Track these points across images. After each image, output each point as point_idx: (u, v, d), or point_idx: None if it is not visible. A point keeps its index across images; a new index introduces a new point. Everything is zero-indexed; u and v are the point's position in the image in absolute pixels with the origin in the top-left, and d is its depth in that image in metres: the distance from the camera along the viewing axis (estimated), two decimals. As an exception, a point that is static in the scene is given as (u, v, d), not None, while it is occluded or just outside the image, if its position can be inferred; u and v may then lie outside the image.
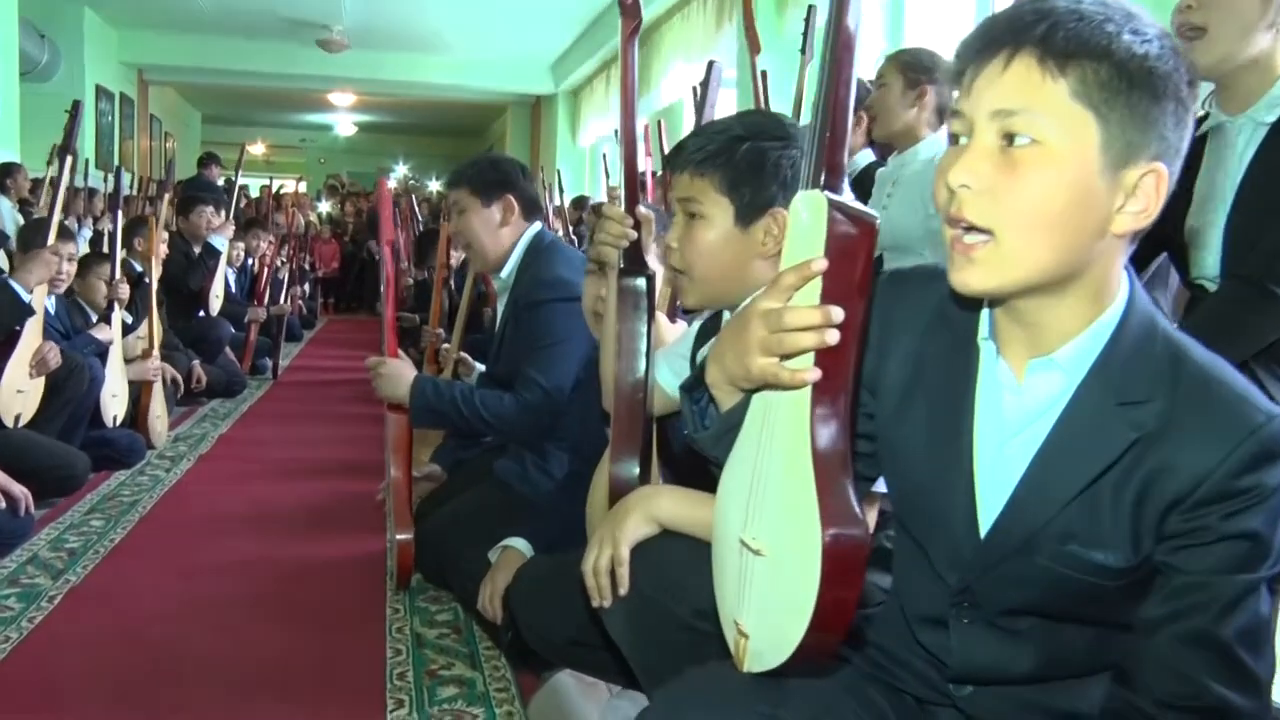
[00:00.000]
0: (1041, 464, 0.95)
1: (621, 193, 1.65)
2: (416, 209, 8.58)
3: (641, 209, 1.65)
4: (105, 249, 4.25)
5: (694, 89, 4.44)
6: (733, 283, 1.50)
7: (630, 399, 1.58)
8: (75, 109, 3.23)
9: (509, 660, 2.12)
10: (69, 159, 3.20)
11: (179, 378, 4.63)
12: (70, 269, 3.59)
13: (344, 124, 17.91)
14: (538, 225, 2.64)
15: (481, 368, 3.18)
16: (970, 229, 0.91)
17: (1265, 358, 1.78)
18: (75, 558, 2.75)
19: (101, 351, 3.78)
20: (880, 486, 1.15)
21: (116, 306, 4.05)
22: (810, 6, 3.04)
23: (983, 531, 0.99)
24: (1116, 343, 0.94)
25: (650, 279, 1.62)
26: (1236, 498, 0.89)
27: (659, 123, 5.26)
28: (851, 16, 0.95)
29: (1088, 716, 1.02)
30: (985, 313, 1.00)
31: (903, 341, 1.06)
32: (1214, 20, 1.78)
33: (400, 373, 2.48)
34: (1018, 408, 0.98)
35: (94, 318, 4.04)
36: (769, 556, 0.97)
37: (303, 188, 16.75)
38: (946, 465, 1.01)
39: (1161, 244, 2.03)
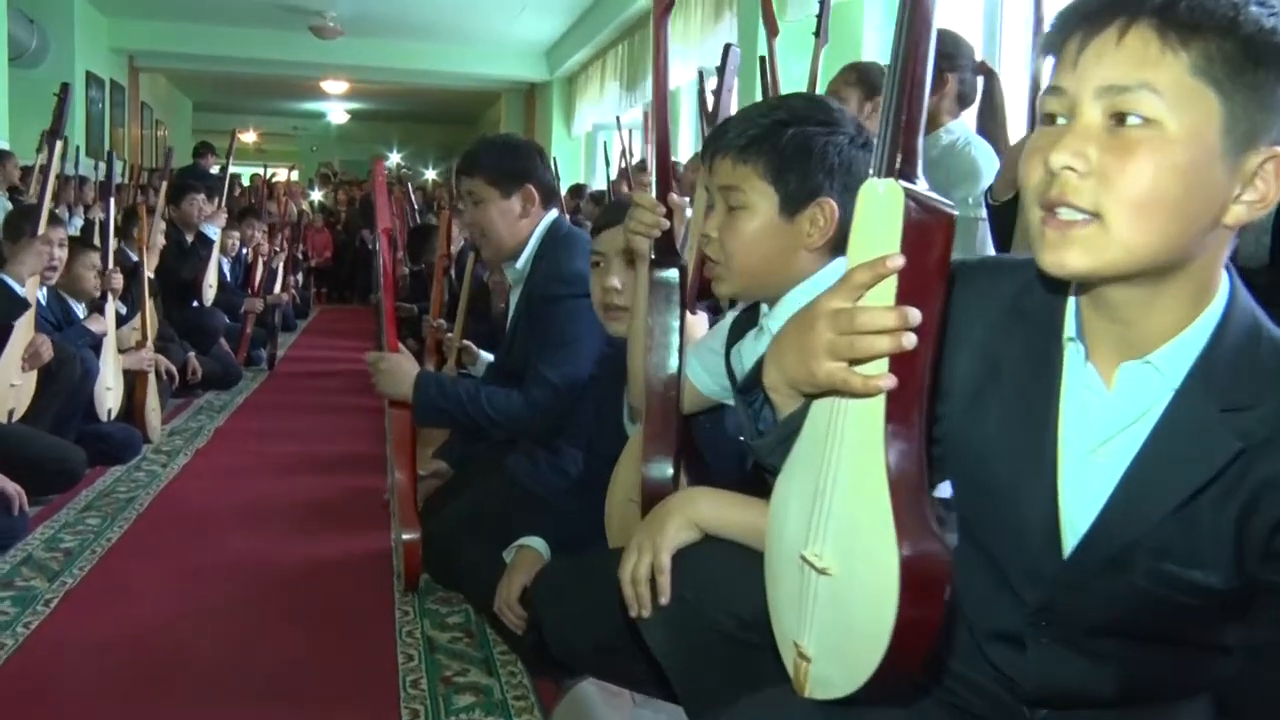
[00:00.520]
0: (1136, 475, 0.88)
1: (652, 180, 1.57)
2: (412, 198, 8.46)
3: (674, 197, 1.57)
4: (97, 238, 4.14)
5: (699, 74, 4.37)
6: (774, 275, 1.42)
7: (663, 397, 1.51)
8: (64, 91, 3.13)
9: (526, 666, 2.05)
10: (58, 144, 3.10)
11: (174, 370, 4.53)
12: (62, 256, 3.50)
13: (336, 112, 17.77)
14: (554, 213, 2.55)
15: (487, 356, 3.10)
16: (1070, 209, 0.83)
17: None
18: (72, 558, 2.66)
19: (95, 343, 3.68)
20: (942, 491, 1.08)
21: (110, 297, 3.95)
22: (824, -11, 2.95)
23: (1066, 545, 0.92)
24: (1218, 344, 0.87)
25: (683, 271, 1.54)
26: None
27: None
28: (930, -11, 0.87)
29: None
30: (1071, 310, 0.92)
31: (973, 337, 0.98)
32: None
33: (402, 369, 2.39)
34: (1107, 413, 0.90)
35: (77, 308, 3.93)
36: (836, 575, 0.89)
37: (294, 176, 16.63)
38: (1025, 472, 0.94)
39: None
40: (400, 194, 8.84)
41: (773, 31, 2.79)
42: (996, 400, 0.96)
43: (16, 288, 3.17)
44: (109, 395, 3.76)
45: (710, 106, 2.15)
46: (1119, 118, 0.82)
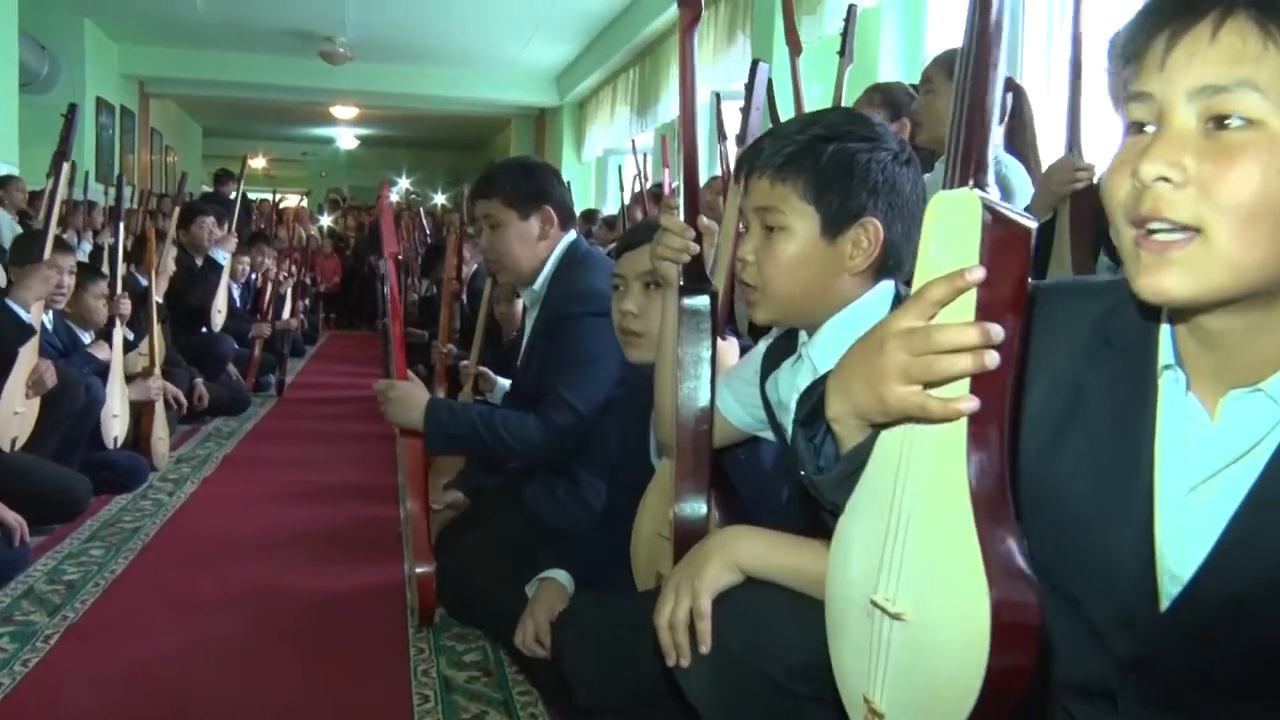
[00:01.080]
0: (1249, 513, 0.79)
1: (681, 202, 1.49)
2: (423, 221, 8.42)
3: (704, 220, 1.49)
4: (106, 264, 4.08)
5: (715, 96, 4.32)
6: (814, 301, 1.34)
7: (694, 431, 1.42)
8: (71, 113, 3.07)
9: (548, 707, 1.96)
10: (65, 167, 3.03)
11: (181, 396, 4.45)
12: (70, 282, 3.44)
13: (346, 137, 17.81)
14: (572, 234, 2.48)
15: (505, 383, 3.02)
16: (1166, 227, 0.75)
17: None
18: (74, 591, 2.57)
19: (101, 370, 3.61)
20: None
21: (118, 323, 3.89)
22: (850, 6, 2.89)
23: (1164, 593, 0.83)
24: None
25: (714, 297, 1.46)
26: None
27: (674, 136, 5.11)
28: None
29: None
30: (1166, 335, 0.84)
31: (1052, 366, 0.90)
32: None
33: (412, 396, 2.30)
34: (1211, 447, 0.82)
35: (85, 337, 3.86)
36: (912, 622, 0.81)
37: (304, 203, 16.64)
38: (1115, 513, 0.85)
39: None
40: (410, 219, 8.82)
41: (796, 49, 2.72)
42: (1080, 434, 0.88)
43: (21, 313, 3.10)
44: (115, 422, 3.68)
45: (739, 126, 2.08)
46: (1217, 120, 0.74)
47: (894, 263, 1.34)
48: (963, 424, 0.78)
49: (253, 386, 5.94)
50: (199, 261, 5.66)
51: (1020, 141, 2.75)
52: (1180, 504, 0.83)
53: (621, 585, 1.91)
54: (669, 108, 8.07)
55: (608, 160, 10.89)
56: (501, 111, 13.49)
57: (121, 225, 4.16)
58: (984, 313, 0.77)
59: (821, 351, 1.35)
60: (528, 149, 13.54)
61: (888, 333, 0.81)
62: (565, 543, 2.11)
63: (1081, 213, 2.24)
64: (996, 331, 0.75)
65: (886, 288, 1.36)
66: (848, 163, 1.30)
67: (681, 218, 1.48)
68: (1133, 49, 0.78)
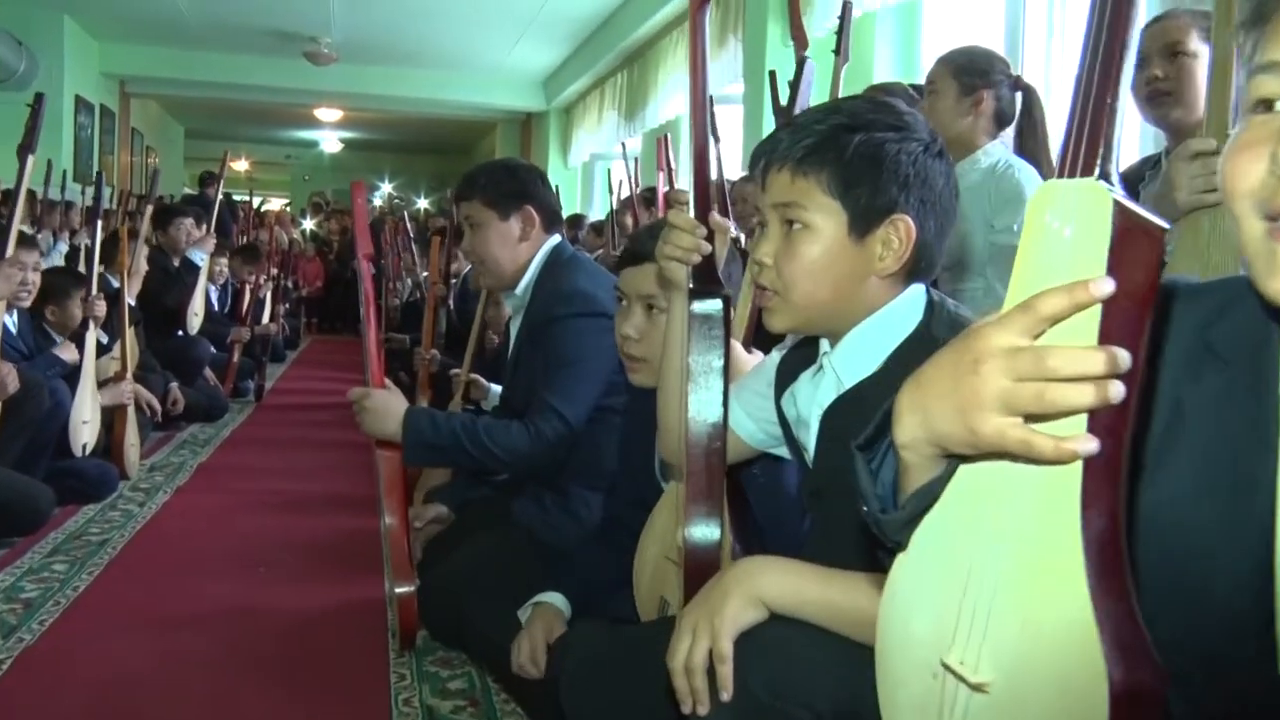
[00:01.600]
0: None
1: (691, 197, 1.37)
2: (407, 226, 8.28)
3: (717, 217, 1.37)
4: (83, 265, 3.94)
5: (709, 99, 4.20)
6: (839, 307, 1.21)
7: (706, 449, 1.30)
8: (38, 102, 2.93)
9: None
10: (30, 160, 2.89)
11: (154, 402, 4.30)
12: (35, 279, 3.29)
13: (330, 141, 17.62)
14: (557, 238, 2.36)
15: (497, 388, 2.89)
16: None
17: None
18: (32, 610, 2.42)
19: (66, 373, 3.46)
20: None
21: (91, 325, 3.74)
22: (845, 3, 2.78)
23: None
24: None
25: (727, 301, 1.33)
26: None
27: (666, 138, 5.00)
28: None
29: None
30: None
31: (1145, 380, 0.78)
32: None
33: (389, 406, 2.16)
34: None
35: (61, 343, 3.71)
36: (998, 695, 0.68)
37: (287, 206, 16.48)
38: (1226, 540, 0.73)
39: None
40: (394, 224, 8.67)
41: (802, 45, 2.60)
42: (1185, 456, 0.76)
43: (-18, 314, 2.96)
44: (85, 429, 3.53)
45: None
46: None
47: (926, 265, 1.22)
48: (1075, 469, 0.66)
49: (231, 392, 5.79)
50: (175, 262, 5.51)
51: (1031, 142, 2.64)
52: None
53: (620, 608, 1.79)
54: (658, 112, 7.95)
55: (594, 165, 10.77)
56: (487, 115, 13.34)
57: (98, 225, 4.01)
58: (1110, 333, 0.64)
59: (846, 362, 1.23)
60: (513, 153, 13.39)
61: (983, 349, 0.68)
62: (558, 561, 1.99)
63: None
64: (1124, 358, 0.63)
65: (917, 293, 1.24)
66: (875, 154, 1.18)
67: (691, 213, 1.36)
68: (1263, 10, 0.66)
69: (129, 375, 3.92)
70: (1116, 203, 0.66)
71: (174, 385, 4.77)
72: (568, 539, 2.10)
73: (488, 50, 10.30)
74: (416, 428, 2.12)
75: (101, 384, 3.78)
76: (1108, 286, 0.63)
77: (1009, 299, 0.71)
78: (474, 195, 2.32)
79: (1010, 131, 2.69)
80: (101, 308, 3.80)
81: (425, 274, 5.69)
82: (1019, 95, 2.65)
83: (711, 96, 4.29)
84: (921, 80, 2.84)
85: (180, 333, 5.34)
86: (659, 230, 1.43)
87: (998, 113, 2.62)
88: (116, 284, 4.23)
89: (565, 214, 8.64)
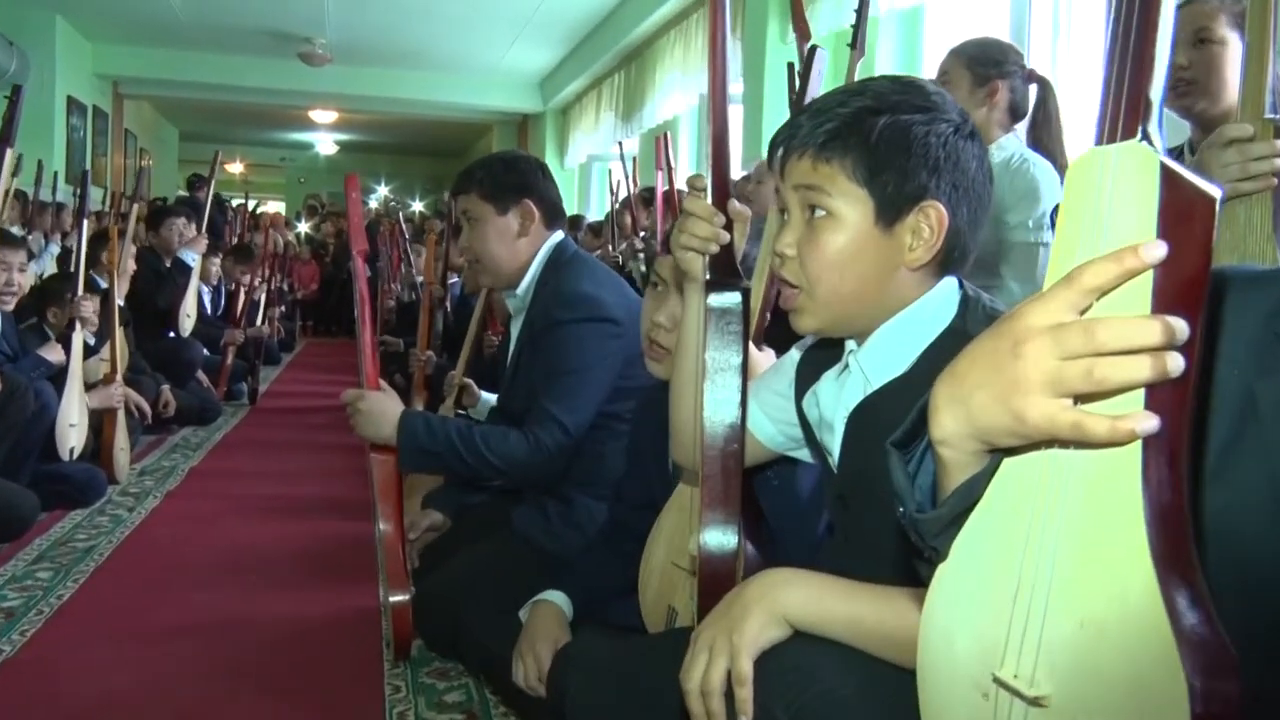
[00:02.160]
0: None
1: (708, 183, 1.28)
2: (403, 228, 8.20)
3: (735, 204, 1.28)
4: (73, 266, 3.86)
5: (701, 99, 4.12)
6: (867, 302, 1.13)
7: (723, 451, 1.21)
8: (15, 94, 2.83)
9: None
10: (9, 155, 2.79)
11: (144, 405, 4.21)
12: (21, 279, 3.20)
13: (325, 143, 17.55)
14: (559, 234, 2.26)
15: (489, 397, 2.81)
16: None
17: None
18: (13, 621, 2.33)
19: (52, 374, 3.37)
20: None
21: (78, 326, 3.65)
22: (861, -3, 2.70)
23: None
24: None
25: (747, 294, 1.25)
26: None
27: (665, 136, 4.93)
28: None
29: None
30: None
31: (1217, 370, 0.71)
32: None
33: (384, 409, 2.07)
34: None
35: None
36: (1058, 708, 0.61)
37: (280, 207, 16.41)
38: None
39: None
40: (390, 225, 8.59)
41: (804, 37, 2.53)
42: (1256, 454, 0.68)
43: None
44: (72, 432, 3.44)
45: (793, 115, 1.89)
46: None
47: (959, 255, 1.14)
48: (1134, 450, 0.58)
49: (224, 395, 5.72)
50: (167, 263, 5.42)
51: (1045, 136, 2.57)
52: None
53: (624, 616, 1.72)
54: (655, 112, 7.89)
55: (592, 166, 10.70)
56: (483, 117, 13.26)
57: (85, 224, 3.92)
58: (1163, 301, 0.58)
59: (875, 361, 1.15)
60: (511, 155, 13.29)
61: (1026, 329, 0.61)
62: (560, 567, 1.91)
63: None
64: (1181, 327, 0.57)
65: (950, 286, 1.16)
66: (903, 137, 1.10)
67: (709, 200, 1.28)
68: None
69: (119, 377, 3.84)
70: (1164, 166, 0.59)
71: (165, 388, 4.68)
72: (570, 549, 2.02)
73: (484, 51, 10.23)
74: (412, 432, 2.04)
75: (90, 386, 3.70)
76: (1160, 250, 0.57)
77: (1048, 278, 0.65)
78: (471, 188, 2.22)
79: (1023, 126, 2.63)
80: (88, 308, 3.73)
81: (421, 276, 5.61)
82: (1033, 88, 2.58)
83: (704, 97, 4.22)
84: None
85: (172, 334, 5.26)
86: None
87: (1011, 104, 2.54)
88: (104, 284, 4.15)
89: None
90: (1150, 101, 0.61)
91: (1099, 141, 0.63)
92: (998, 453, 0.66)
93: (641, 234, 5.24)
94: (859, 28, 2.71)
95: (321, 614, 2.47)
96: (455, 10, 8.71)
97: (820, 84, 1.84)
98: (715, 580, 1.18)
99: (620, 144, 6.30)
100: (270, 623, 2.40)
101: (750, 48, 5.84)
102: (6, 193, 6.09)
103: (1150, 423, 0.57)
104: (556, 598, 1.79)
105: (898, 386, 1.13)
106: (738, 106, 6.05)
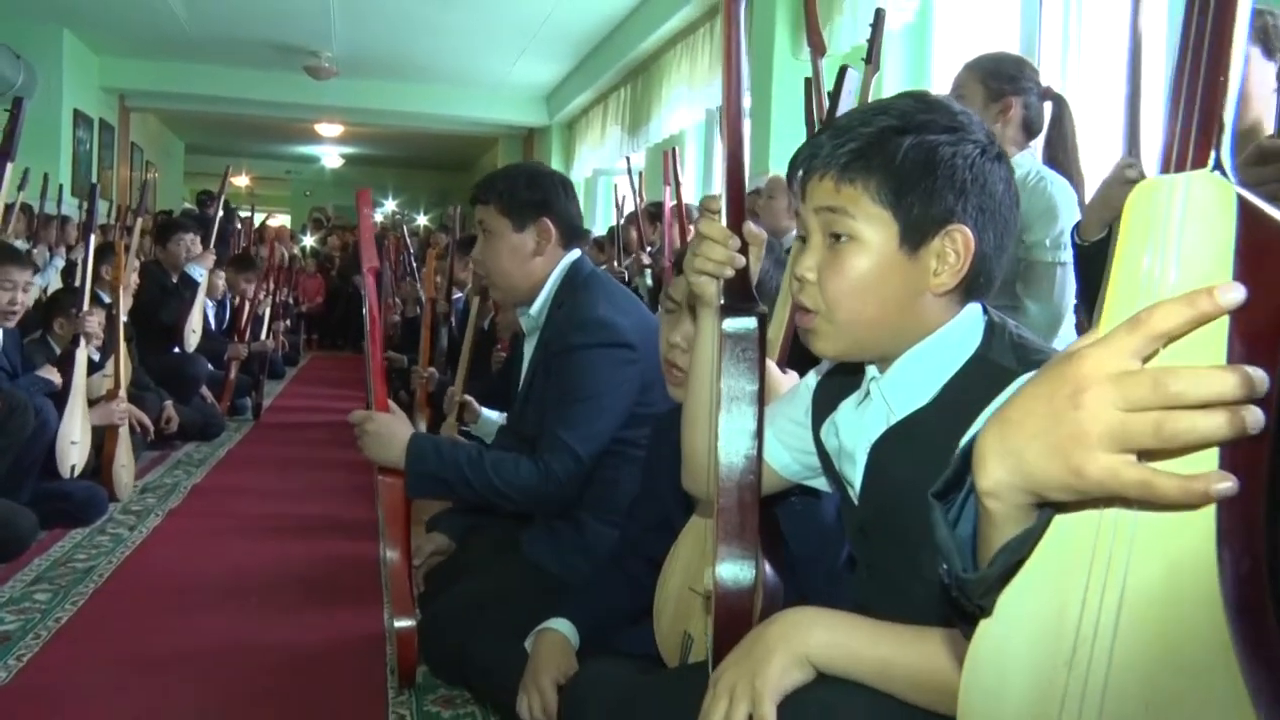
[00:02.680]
0: None
1: (723, 205, 1.24)
2: (408, 242, 8.18)
3: (752, 227, 1.24)
4: (79, 280, 3.83)
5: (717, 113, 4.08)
6: (890, 328, 1.09)
7: (739, 482, 1.17)
8: (16, 106, 2.80)
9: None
10: (9, 168, 2.76)
11: (147, 422, 4.17)
12: (23, 299, 3.17)
13: (330, 156, 17.55)
14: (576, 253, 2.22)
15: (490, 414, 2.76)
16: None
17: None
18: (9, 645, 2.29)
19: (52, 391, 3.33)
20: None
21: (83, 342, 3.62)
22: (877, 11, 2.66)
23: None
24: None
25: (763, 319, 1.21)
26: None
27: (673, 151, 4.89)
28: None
29: None
30: None
31: None
32: None
33: (392, 431, 2.02)
34: None
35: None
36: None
37: (286, 220, 16.41)
38: None
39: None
40: (394, 240, 8.56)
41: (819, 51, 2.49)
42: None
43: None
44: (74, 450, 3.41)
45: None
46: None
47: (984, 281, 1.10)
48: (1207, 514, 0.54)
49: (227, 410, 5.68)
50: (174, 278, 5.39)
51: (1061, 154, 2.53)
52: None
53: (636, 642, 1.67)
54: (661, 127, 7.87)
55: (597, 181, 10.68)
56: (489, 131, 13.26)
57: (92, 238, 3.89)
58: (1241, 349, 0.53)
59: (897, 390, 1.11)
60: (515, 170, 13.27)
61: (1086, 376, 0.57)
62: (569, 592, 1.86)
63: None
64: (1260, 378, 0.52)
65: (974, 313, 1.11)
66: (929, 158, 1.06)
67: (724, 222, 1.24)
68: None
69: (122, 393, 3.80)
70: (1242, 199, 0.55)
71: (168, 403, 4.65)
72: (580, 574, 1.97)
73: (490, 65, 10.22)
74: (420, 456, 1.99)
75: (93, 402, 3.66)
76: (1238, 293, 0.52)
77: (1104, 320, 0.60)
78: (490, 200, 2.18)
79: (1038, 143, 2.59)
80: (93, 323, 3.69)
81: (423, 293, 5.58)
82: (1048, 105, 2.55)
83: (720, 109, 4.19)
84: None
85: (176, 349, 5.22)
86: None
87: (1026, 121, 2.51)
88: (107, 299, 4.12)
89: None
90: (1224, 124, 0.57)
91: (1164, 168, 0.59)
92: (1049, 507, 0.62)
93: (649, 249, 5.20)
94: (874, 43, 2.68)
95: (324, 639, 2.42)
96: (461, 24, 8.70)
97: (851, 103, 1.81)
98: (731, 617, 1.14)
99: (628, 159, 6.27)
100: (272, 648, 2.35)
101: (758, 62, 5.81)
102: (9, 206, 6.09)
103: (1226, 484, 0.52)
104: (562, 626, 1.74)
105: (922, 417, 1.09)
106: (745, 121, 6.01)
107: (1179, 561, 0.55)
